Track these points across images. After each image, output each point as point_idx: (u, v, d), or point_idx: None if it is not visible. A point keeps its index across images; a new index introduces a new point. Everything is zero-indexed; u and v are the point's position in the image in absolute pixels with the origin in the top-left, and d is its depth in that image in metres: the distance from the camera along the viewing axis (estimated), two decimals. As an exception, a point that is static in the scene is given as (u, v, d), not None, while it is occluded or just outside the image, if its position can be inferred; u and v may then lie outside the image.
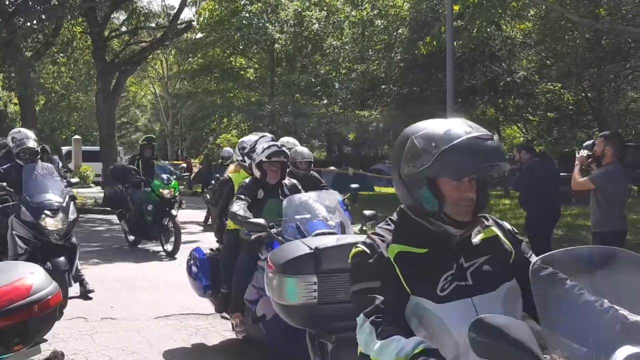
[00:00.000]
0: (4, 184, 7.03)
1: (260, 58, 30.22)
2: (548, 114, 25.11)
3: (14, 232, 6.97)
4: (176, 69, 33.86)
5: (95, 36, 20.61)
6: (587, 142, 6.96)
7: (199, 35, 29.23)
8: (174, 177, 11.96)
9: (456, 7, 13.85)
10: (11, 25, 18.23)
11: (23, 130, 8.36)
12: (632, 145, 6.61)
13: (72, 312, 6.99)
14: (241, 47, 28.20)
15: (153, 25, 24.38)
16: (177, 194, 11.62)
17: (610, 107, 23.13)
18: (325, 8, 25.76)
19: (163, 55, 31.63)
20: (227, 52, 28.53)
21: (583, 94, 23.26)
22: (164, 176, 11.51)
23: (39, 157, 7.73)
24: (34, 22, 18.71)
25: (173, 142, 37.60)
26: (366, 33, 24.11)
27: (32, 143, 7.62)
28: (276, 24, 26.69)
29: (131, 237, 11.86)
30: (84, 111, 35.23)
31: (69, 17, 18.78)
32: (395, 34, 22.12)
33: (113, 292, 8.10)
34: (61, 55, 23.65)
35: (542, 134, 27.22)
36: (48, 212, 6.88)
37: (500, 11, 14.71)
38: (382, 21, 22.47)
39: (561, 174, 26.16)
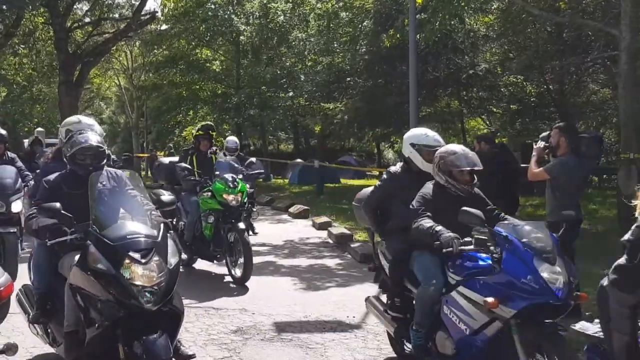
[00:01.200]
0: (57, 205, 4.48)
1: (226, 50, 30.05)
2: (511, 106, 25.42)
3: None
4: (141, 60, 33.56)
5: (57, 27, 20.40)
6: (544, 134, 7.13)
7: (164, 26, 28.97)
8: (240, 177, 9.28)
9: (419, 0, 13.95)
10: (-30, 15, 17.94)
11: (85, 119, 5.94)
12: (586, 136, 6.72)
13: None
14: (207, 39, 27.98)
15: (116, 16, 24.15)
16: (245, 201, 9.15)
17: (572, 99, 23.50)
18: (290, 0, 25.74)
19: (127, 46, 31.35)
20: (193, 44, 28.29)
21: (545, 87, 23.59)
22: (228, 176, 8.90)
23: (105, 161, 5.13)
24: (-6, 12, 18.43)
25: (138, 134, 37.30)
26: (331, 25, 24.11)
27: (96, 139, 5.14)
28: (242, 16, 26.57)
29: (184, 256, 8.91)
30: (47, 103, 34.66)
31: (30, 7, 18.59)
32: (360, 26, 22.13)
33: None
34: (22, 46, 23.35)
35: (505, 125, 27.58)
36: (135, 255, 4.17)
37: (463, 4, 14.87)
38: (347, 14, 22.49)
39: (523, 165, 26.57)
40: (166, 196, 5.22)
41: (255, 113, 26.59)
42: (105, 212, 4.49)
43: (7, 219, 7.87)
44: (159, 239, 4.29)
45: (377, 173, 37.83)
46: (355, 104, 20.63)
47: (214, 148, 10.05)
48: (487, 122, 32.02)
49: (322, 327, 6.59)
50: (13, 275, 7.17)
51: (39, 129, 20.48)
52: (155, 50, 30.17)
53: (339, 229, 13.22)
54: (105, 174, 4.99)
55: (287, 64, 26.39)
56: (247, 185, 9.49)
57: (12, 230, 7.89)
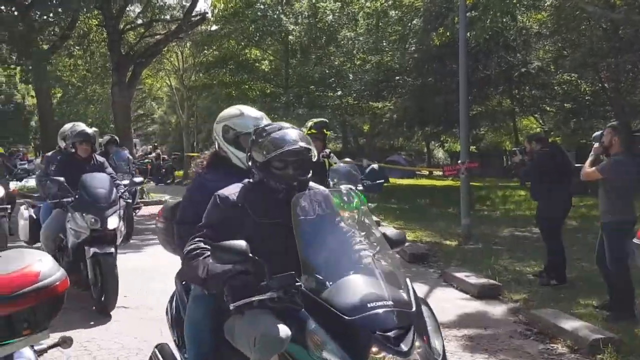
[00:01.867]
0: (244, 244, 2.89)
1: (274, 50, 30.19)
2: (565, 105, 24.93)
3: None
4: (191, 61, 33.88)
5: (110, 29, 20.77)
6: (596, 133, 6.97)
7: (214, 27, 29.25)
8: (360, 187, 7.56)
9: (470, -2, 13.79)
10: (28, 18, 18.41)
11: (248, 110, 4.39)
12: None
13: (86, 302, 7.11)
14: (256, 39, 28.15)
15: (168, 17, 24.48)
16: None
17: (628, 98, 22.92)
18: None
19: (178, 47, 31.69)
20: (242, 44, 28.50)
21: (600, 85, 23.07)
22: (344, 188, 6.38)
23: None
24: (50, 15, 18.87)
25: (189, 134, 37.72)
26: (380, 24, 24.00)
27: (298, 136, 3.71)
28: (291, 16, 26.65)
29: None
30: (101, 104, 35.41)
31: (84, 10, 18.97)
32: (409, 24, 22.00)
33: (127, 283, 8.19)
34: (77, 48, 23.86)
35: (559, 124, 27.06)
36: (386, 339, 3.76)
37: (515, 1, 14.64)
38: (397, 12, 22.36)
39: (577, 165, 26.02)
40: (392, 230, 3.47)
41: (303, 112, 26.62)
42: (318, 258, 2.93)
43: (101, 237, 6.99)
44: (414, 307, 2.80)
45: (427, 172, 37.61)
46: (404, 103, 20.51)
47: (327, 151, 8.16)
48: (540, 121, 31.48)
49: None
50: (111, 304, 6.82)
51: (93, 128, 20.87)
52: (206, 51, 30.49)
53: (387, 228, 13.13)
54: (307, 194, 3.26)
55: (336, 63, 26.38)
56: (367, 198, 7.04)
57: (109, 251, 6.96)
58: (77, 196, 7.11)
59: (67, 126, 8.93)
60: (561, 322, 6.23)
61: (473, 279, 8.20)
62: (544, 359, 5.67)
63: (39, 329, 2.89)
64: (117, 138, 13.23)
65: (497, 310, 7.25)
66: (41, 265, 2.89)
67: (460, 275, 8.49)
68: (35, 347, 3.09)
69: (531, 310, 6.88)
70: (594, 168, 6.51)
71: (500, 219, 15.56)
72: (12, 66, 22.64)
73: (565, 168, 8.41)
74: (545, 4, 18.86)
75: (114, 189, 7.35)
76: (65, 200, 7.15)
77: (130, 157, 11.61)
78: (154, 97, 45.87)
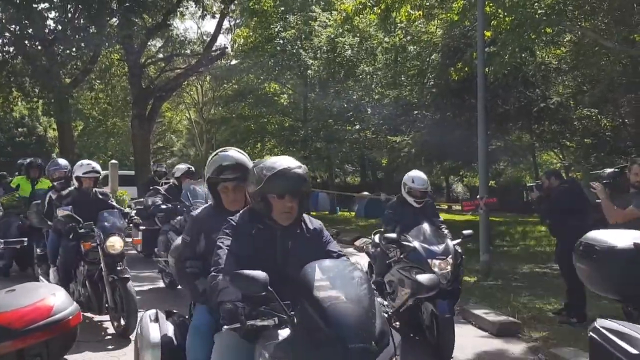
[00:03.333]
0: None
1: (293, 84, 30.46)
2: (585, 140, 24.79)
3: None
4: (211, 94, 34.35)
5: (131, 63, 21.08)
6: (608, 171, 6.86)
7: (234, 61, 29.62)
8: None
9: (488, 34, 13.81)
10: (50, 53, 18.73)
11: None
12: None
13: (98, 335, 7.07)
14: (275, 73, 28.46)
15: (188, 52, 24.80)
16: None
17: (648, 133, 22.77)
18: (358, 34, 25.93)
19: (198, 81, 32.14)
20: (261, 78, 28.81)
21: (620, 120, 22.94)
22: None
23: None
24: (73, 50, 19.17)
25: (208, 167, 37.91)
26: (399, 59, 24.17)
27: None
28: (309, 50, 26.93)
29: None
30: (121, 136, 35.80)
31: (106, 45, 19.25)
32: (427, 59, 22.12)
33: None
34: (98, 82, 24.21)
35: (580, 160, 26.88)
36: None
37: (533, 37, 14.65)
38: (415, 47, 22.52)
39: (598, 200, 25.60)
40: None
41: (322, 146, 26.73)
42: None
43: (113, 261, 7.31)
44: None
45: (446, 207, 37.41)
46: (423, 137, 20.47)
47: None
48: (560, 156, 31.30)
49: None
50: (132, 326, 6.82)
51: (113, 161, 21.10)
52: (225, 85, 30.88)
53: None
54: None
55: (354, 97, 26.52)
56: None
57: (126, 275, 7.26)
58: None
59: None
60: (581, 361, 6.09)
61: (492, 316, 8.07)
62: (565, 399, 5.54)
63: (51, 364, 2.86)
64: (193, 169, 11.38)
65: (516, 348, 7.12)
66: (54, 299, 2.87)
67: (478, 312, 8.36)
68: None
69: (550, 349, 6.74)
70: (630, 207, 6.27)
71: (520, 255, 15.37)
72: (35, 99, 22.97)
73: (583, 204, 8.30)
74: (565, 40, 18.84)
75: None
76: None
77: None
78: (173, 130, 46.30)
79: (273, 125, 29.69)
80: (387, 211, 7.97)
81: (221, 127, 32.33)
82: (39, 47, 19.12)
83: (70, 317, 2.89)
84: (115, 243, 7.22)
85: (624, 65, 19.84)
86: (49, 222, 8.30)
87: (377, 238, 8.37)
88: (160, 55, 24.70)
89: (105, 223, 7.45)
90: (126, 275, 7.23)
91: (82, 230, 7.31)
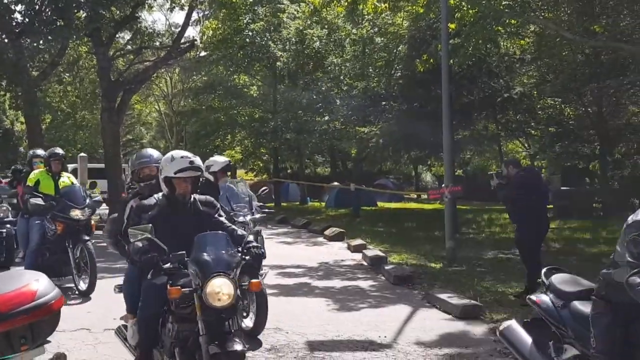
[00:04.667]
0: None
1: (263, 75, 30.54)
2: (549, 129, 25.31)
3: None
4: (180, 86, 34.33)
5: (100, 56, 20.97)
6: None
7: (203, 53, 29.61)
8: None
9: (452, 26, 14.11)
10: (18, 45, 18.59)
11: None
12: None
13: (76, 324, 7.26)
14: (244, 65, 28.51)
15: (157, 44, 24.75)
16: None
17: (611, 122, 23.32)
18: (326, 26, 26.08)
19: (167, 73, 32.07)
20: (231, 70, 28.86)
21: (583, 109, 23.47)
22: None
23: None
24: (41, 42, 19.05)
25: (178, 159, 37.86)
26: (366, 51, 24.38)
27: None
28: (278, 42, 27.02)
29: None
30: (90, 129, 35.55)
31: (74, 37, 19.15)
32: (394, 51, 22.40)
33: (116, 305, 8.33)
34: (67, 74, 24.07)
35: (545, 148, 27.44)
36: None
37: (497, 28, 15.00)
38: (382, 39, 22.76)
39: (563, 187, 26.31)
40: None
41: (292, 137, 26.89)
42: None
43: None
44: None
45: (415, 196, 37.89)
46: (390, 127, 20.79)
47: None
48: (526, 145, 31.86)
49: (353, 346, 6.73)
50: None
51: (82, 154, 21.07)
52: (194, 77, 30.85)
53: (373, 251, 13.34)
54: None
55: (323, 88, 26.70)
56: None
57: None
58: None
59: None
60: (538, 340, 6.40)
61: (455, 300, 8.39)
62: (522, 376, 5.84)
63: (36, 345, 3.07)
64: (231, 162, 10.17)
65: (478, 329, 7.44)
66: (38, 284, 3.08)
67: (443, 296, 8.68)
68: (31, 364, 3.25)
69: (510, 329, 7.05)
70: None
71: (485, 242, 15.79)
72: (2, 93, 22.78)
73: (541, 191, 8.66)
74: (529, 31, 19.23)
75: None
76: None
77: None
78: (143, 122, 46.09)
79: (243, 117, 29.77)
80: None
81: (191, 119, 32.33)
82: (6, 40, 18.96)
83: (53, 301, 3.08)
84: (222, 288, 4.21)
85: (587, 55, 20.34)
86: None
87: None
88: (129, 48, 24.59)
89: (206, 255, 4.34)
90: (239, 348, 4.27)
91: (168, 266, 4.49)
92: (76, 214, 9.17)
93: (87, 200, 9.46)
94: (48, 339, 3.20)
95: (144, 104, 38.98)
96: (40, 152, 10.95)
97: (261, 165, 36.90)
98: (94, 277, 9.04)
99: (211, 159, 7.73)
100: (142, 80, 23.63)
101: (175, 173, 4.71)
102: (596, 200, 24.36)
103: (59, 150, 10.00)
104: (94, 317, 7.87)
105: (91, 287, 9.06)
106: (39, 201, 9.13)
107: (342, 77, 26.55)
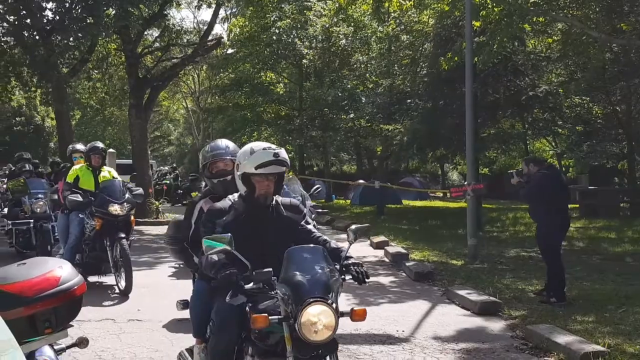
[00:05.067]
0: None
1: (289, 73, 30.72)
2: (576, 128, 25.11)
3: None
4: (207, 84, 34.59)
5: (128, 53, 21.26)
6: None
7: (230, 51, 29.86)
8: None
9: (477, 24, 14.12)
10: (49, 43, 18.93)
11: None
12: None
13: (102, 315, 7.46)
14: (271, 63, 28.70)
15: (184, 41, 25.00)
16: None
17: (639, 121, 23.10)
18: (352, 24, 26.18)
19: (194, 70, 32.36)
20: (257, 67, 29.05)
21: (611, 108, 23.26)
22: None
23: None
24: (70, 39, 19.38)
25: (204, 155, 38.23)
26: (392, 48, 24.39)
27: None
28: (305, 40, 27.17)
29: None
30: (118, 125, 36.06)
31: (103, 34, 19.43)
32: (420, 49, 22.39)
33: (140, 297, 8.54)
34: (96, 71, 24.38)
35: (572, 147, 27.23)
36: None
37: (524, 26, 14.93)
38: (408, 37, 22.76)
39: (590, 187, 26.06)
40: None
41: (317, 134, 27.05)
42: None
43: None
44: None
45: (441, 194, 37.77)
46: (414, 125, 20.78)
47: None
48: (553, 144, 31.62)
49: (371, 339, 6.81)
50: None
51: (111, 150, 21.43)
52: (221, 74, 31.07)
53: (395, 247, 13.40)
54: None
55: (349, 86, 26.79)
56: None
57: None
58: None
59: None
60: (555, 336, 6.45)
61: (474, 296, 8.44)
62: (537, 371, 5.92)
63: (59, 329, 3.23)
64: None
65: (495, 325, 7.49)
66: (61, 271, 3.23)
67: (462, 292, 8.74)
68: (55, 347, 3.41)
69: (527, 325, 7.11)
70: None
71: (508, 240, 15.76)
72: (33, 89, 23.19)
73: (562, 189, 8.66)
74: (556, 28, 19.11)
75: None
76: None
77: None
78: (170, 119, 46.58)
79: (269, 114, 29.96)
80: None
81: (218, 116, 32.61)
82: (37, 37, 19.30)
83: (76, 287, 3.22)
84: (320, 318, 3.42)
85: (615, 53, 20.14)
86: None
87: None
88: (157, 45, 24.87)
89: (300, 276, 3.50)
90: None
91: (250, 286, 3.58)
92: (114, 209, 8.87)
93: (127, 195, 9.15)
94: (71, 323, 3.35)
95: (172, 101, 39.40)
96: (79, 146, 10.87)
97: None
98: (130, 276, 8.63)
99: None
100: (170, 77, 23.89)
101: (255, 169, 3.84)
102: (623, 199, 24.13)
103: (99, 144, 9.75)
104: (119, 308, 8.07)
105: (128, 287, 8.66)
106: (77, 197, 8.88)
107: (367, 75, 26.64)
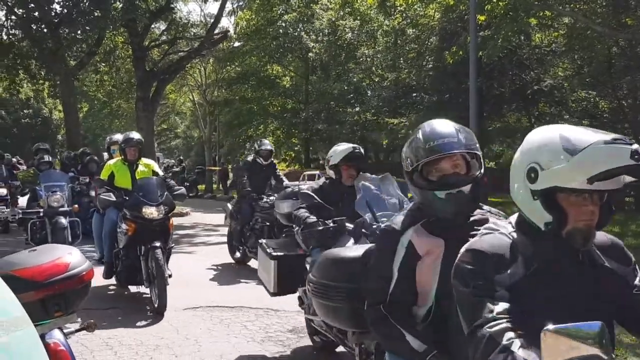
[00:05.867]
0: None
1: (295, 66, 30.81)
2: (583, 122, 25.10)
3: None
4: (214, 77, 34.64)
5: (135, 46, 21.42)
6: None
7: (236, 44, 29.94)
8: None
9: (482, 18, 14.18)
10: (57, 36, 19.10)
11: None
12: None
13: (109, 304, 7.61)
14: (277, 56, 28.81)
15: (191, 35, 25.13)
16: None
17: (646, 115, 23.07)
18: (358, 17, 26.24)
19: (201, 64, 32.41)
20: (264, 60, 29.16)
21: (617, 102, 23.23)
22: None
23: None
24: (78, 32, 19.55)
25: (211, 148, 38.43)
26: (398, 42, 24.49)
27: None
28: (311, 33, 27.25)
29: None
30: (125, 118, 36.16)
31: (111, 27, 19.60)
32: (426, 43, 22.46)
33: (144, 287, 8.68)
34: (103, 64, 24.55)
35: (578, 141, 27.19)
36: None
37: (530, 20, 14.99)
38: (414, 30, 22.83)
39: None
40: None
41: (323, 127, 27.15)
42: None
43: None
44: None
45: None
46: (420, 119, 20.86)
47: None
48: (558, 138, 31.58)
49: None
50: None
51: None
52: (228, 67, 31.17)
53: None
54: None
55: (355, 79, 26.87)
56: None
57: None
58: None
59: None
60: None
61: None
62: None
63: (68, 312, 3.36)
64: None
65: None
66: (71, 257, 3.36)
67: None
68: (64, 331, 3.54)
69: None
70: None
71: (512, 233, 15.81)
72: (41, 81, 23.37)
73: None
74: (561, 23, 19.14)
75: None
76: None
77: None
78: (177, 112, 46.68)
79: (275, 107, 30.10)
80: None
81: (224, 109, 32.71)
82: (45, 30, 19.48)
83: (84, 273, 3.35)
84: None
85: (622, 47, 20.14)
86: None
87: None
88: (164, 38, 25.01)
89: None
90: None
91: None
92: (149, 212, 7.40)
93: (164, 196, 7.61)
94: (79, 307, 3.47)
95: (178, 94, 39.49)
96: (118, 137, 9.70)
97: (293, 155, 37.24)
98: (163, 293, 7.06)
99: (333, 149, 5.68)
100: (176, 70, 24.03)
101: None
102: (629, 193, 24.15)
103: (135, 135, 8.32)
104: (127, 297, 8.20)
105: (162, 305, 7.07)
106: (110, 196, 7.73)
107: (373, 68, 26.71)
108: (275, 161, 10.89)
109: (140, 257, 7.51)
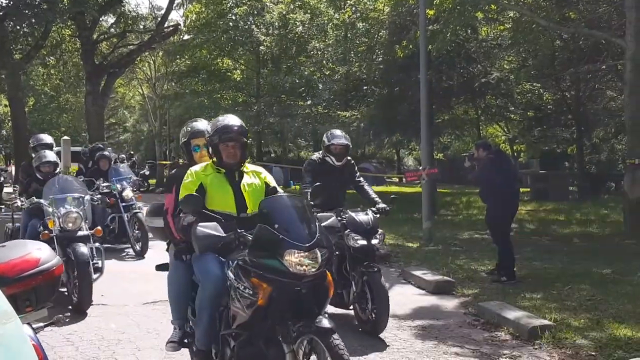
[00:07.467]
0: None
1: (246, 60, 30.71)
2: (528, 113, 25.77)
3: None
4: (164, 70, 34.30)
5: (84, 39, 21.13)
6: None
7: (186, 37, 29.71)
8: None
9: (431, 12, 14.45)
10: (2, 29, 18.70)
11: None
12: None
13: (68, 302, 7.57)
14: (228, 49, 28.68)
15: (141, 28, 24.87)
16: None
17: (588, 106, 23.79)
18: (309, 11, 26.32)
19: (151, 57, 32.08)
20: (214, 53, 28.99)
21: (560, 94, 23.89)
22: None
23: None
24: (24, 25, 19.17)
25: (161, 142, 38.06)
26: (349, 35, 24.68)
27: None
28: (262, 27, 27.21)
29: None
30: (73, 112, 35.61)
31: (58, 20, 19.28)
32: (376, 36, 22.68)
33: (104, 283, 8.66)
34: (50, 57, 24.15)
35: (524, 132, 27.91)
36: None
37: (477, 14, 15.34)
38: (364, 24, 23.05)
39: (542, 171, 26.76)
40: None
41: (275, 121, 27.16)
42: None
43: None
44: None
45: (397, 180, 38.29)
46: (371, 111, 21.12)
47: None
48: (505, 129, 32.31)
49: (329, 318, 7.03)
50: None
51: (65, 137, 21.23)
52: (178, 60, 30.88)
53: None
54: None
55: (306, 73, 26.96)
56: None
57: None
58: None
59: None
60: (505, 312, 6.83)
61: (429, 276, 8.80)
62: (488, 344, 6.24)
63: (39, 307, 3.42)
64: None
65: (449, 303, 7.85)
66: (40, 252, 3.41)
67: (417, 273, 9.09)
68: (34, 326, 3.60)
69: (479, 303, 7.48)
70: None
71: (462, 223, 16.24)
72: (-14, 75, 22.85)
73: (509, 173, 9.07)
74: (508, 17, 19.57)
75: None
76: None
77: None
78: (126, 105, 46.06)
79: (226, 101, 29.95)
80: None
81: (174, 102, 32.38)
82: (-10, 24, 19.08)
83: (54, 268, 3.41)
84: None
85: (565, 40, 20.73)
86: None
87: None
88: (113, 31, 24.70)
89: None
90: None
91: None
92: (299, 261, 6.42)
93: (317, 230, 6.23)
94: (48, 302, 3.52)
95: (128, 88, 38.99)
96: (201, 125, 5.73)
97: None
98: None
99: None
100: (126, 64, 23.80)
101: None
102: (573, 183, 24.91)
103: (236, 121, 4.92)
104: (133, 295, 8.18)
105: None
106: (215, 229, 5.42)
107: (324, 62, 26.83)
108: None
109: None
